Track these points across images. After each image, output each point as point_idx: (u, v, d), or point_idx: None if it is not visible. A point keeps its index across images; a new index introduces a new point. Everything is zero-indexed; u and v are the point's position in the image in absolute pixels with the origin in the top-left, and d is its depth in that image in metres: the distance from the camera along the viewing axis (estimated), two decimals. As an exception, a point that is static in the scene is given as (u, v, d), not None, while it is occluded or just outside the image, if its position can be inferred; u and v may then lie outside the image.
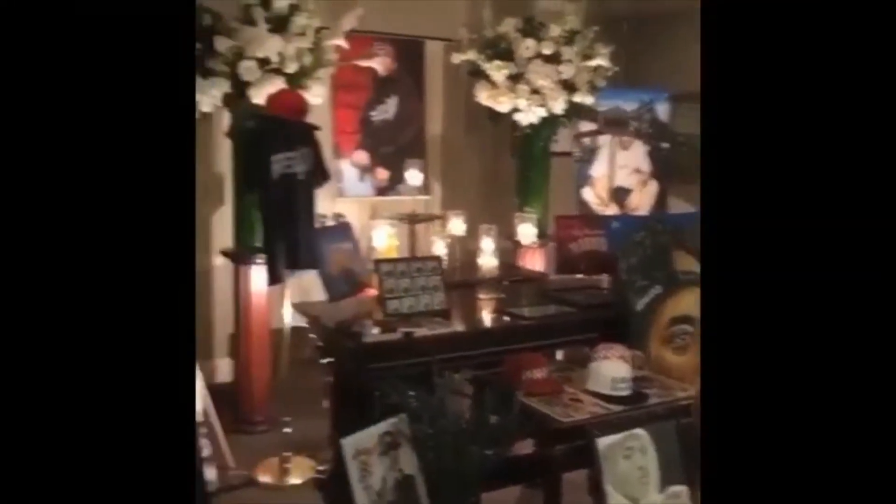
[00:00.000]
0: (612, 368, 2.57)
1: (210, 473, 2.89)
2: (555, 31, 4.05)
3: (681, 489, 2.50)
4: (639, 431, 2.46)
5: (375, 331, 2.52)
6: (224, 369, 3.95)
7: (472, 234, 3.82)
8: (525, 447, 2.57)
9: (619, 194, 4.58)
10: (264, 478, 3.05)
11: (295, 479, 3.03)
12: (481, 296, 3.31)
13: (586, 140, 4.60)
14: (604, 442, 2.37)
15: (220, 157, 3.86)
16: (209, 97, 3.10)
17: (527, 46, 4.01)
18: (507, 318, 2.93)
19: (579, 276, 3.45)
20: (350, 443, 2.24)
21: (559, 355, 3.36)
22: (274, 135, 2.85)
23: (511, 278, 3.54)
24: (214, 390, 3.48)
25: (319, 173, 3.06)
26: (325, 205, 4.09)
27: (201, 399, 3.01)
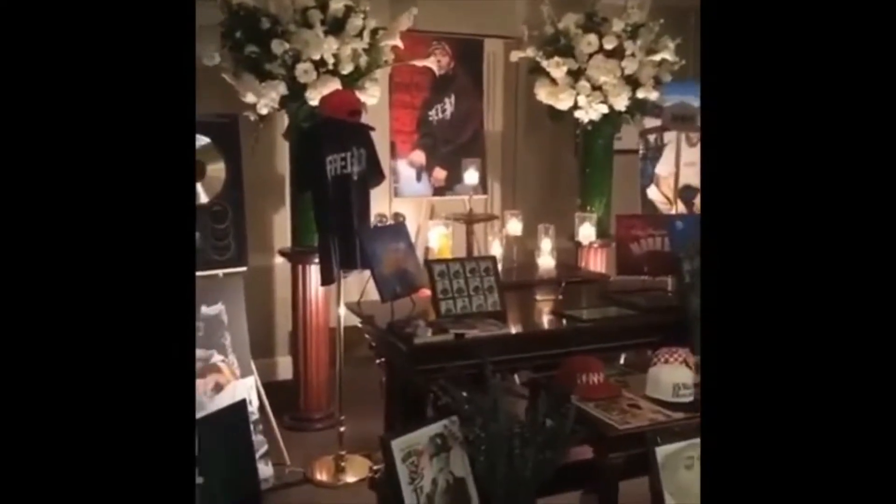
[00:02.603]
0: (672, 374, 2.46)
1: (266, 470, 2.93)
2: (618, 25, 3.94)
3: (747, 502, 2.38)
4: (699, 441, 2.35)
5: (427, 332, 2.49)
6: (284, 367, 4.01)
7: (532, 234, 3.76)
8: (583, 453, 2.49)
9: (687, 193, 4.41)
10: (319, 476, 3.07)
11: (349, 478, 3.04)
12: (538, 297, 3.24)
13: (651, 137, 4.46)
14: (663, 451, 2.27)
15: (279, 158, 3.92)
16: (267, 99, 3.15)
17: (588, 42, 3.91)
18: (564, 321, 2.86)
19: (642, 277, 3.34)
20: (399, 444, 2.23)
21: (622, 359, 3.27)
22: (328, 135, 2.86)
23: (570, 279, 3.45)
24: (274, 387, 3.54)
25: (374, 174, 3.06)
26: (383, 205, 4.11)
27: (258, 396, 3.06)
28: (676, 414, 2.37)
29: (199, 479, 2.44)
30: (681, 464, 2.29)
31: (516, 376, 2.96)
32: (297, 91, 3.17)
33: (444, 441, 2.34)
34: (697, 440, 2.33)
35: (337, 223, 2.86)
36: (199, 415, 2.62)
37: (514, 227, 3.68)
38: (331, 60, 3.15)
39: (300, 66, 3.11)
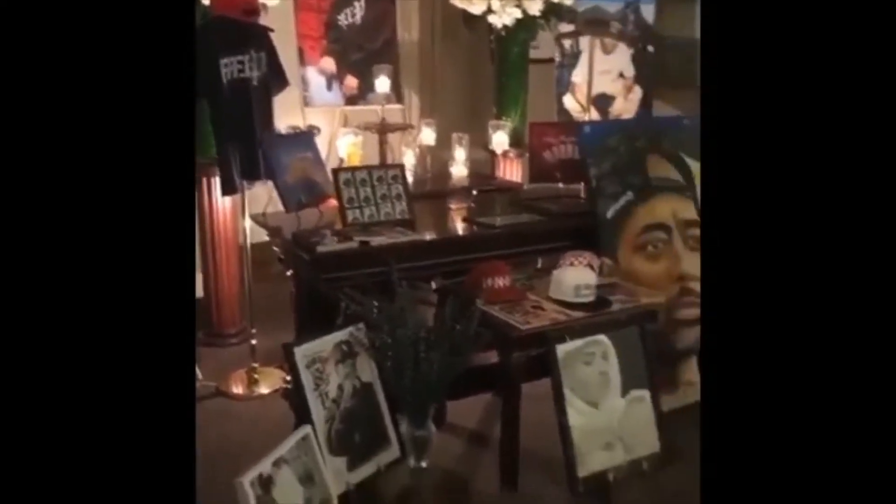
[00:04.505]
0: (575, 275, 2.52)
1: (177, 386, 2.89)
2: (531, -76, 3.80)
3: (643, 393, 2.50)
4: (601, 337, 2.44)
5: (332, 240, 2.45)
6: (196, 284, 3.92)
7: (447, 144, 3.71)
8: (492, 357, 2.55)
9: (602, 101, 4.42)
10: (235, 389, 3.06)
11: (263, 390, 3.05)
12: (451, 206, 3.23)
13: (567, 43, 4.40)
14: (563, 348, 2.35)
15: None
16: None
17: (501, -58, 3.77)
18: (475, 227, 2.87)
19: (557, 185, 3.36)
20: (303, 351, 2.22)
21: (538, 264, 3.31)
22: (221, 36, 2.70)
23: (483, 188, 3.44)
24: (185, 305, 3.46)
25: (276, 79, 2.91)
26: (294, 115, 3.96)
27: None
28: (577, 313, 2.44)
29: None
30: (580, 360, 2.38)
31: (433, 283, 2.98)
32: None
33: (350, 348, 2.35)
34: (596, 337, 2.42)
35: (236, 131, 2.73)
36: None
37: (428, 136, 3.62)
38: (225, -45, 2.92)
39: (191, -38, 2.88)
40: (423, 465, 2.46)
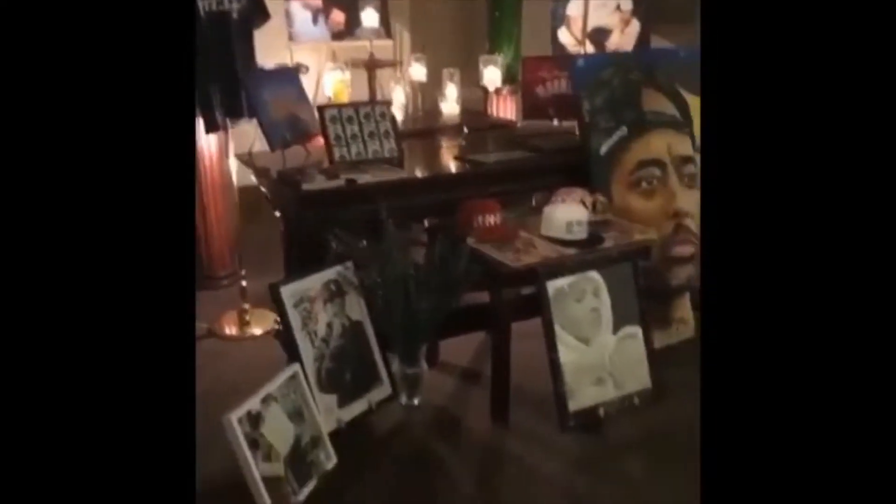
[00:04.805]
0: (566, 212, 2.48)
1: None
2: None
3: (635, 329, 2.49)
4: (592, 274, 2.41)
5: (318, 178, 2.40)
6: (188, 228, 3.88)
7: (439, 80, 3.61)
8: (485, 296, 2.53)
9: (598, 35, 4.29)
10: (228, 330, 3.05)
11: (256, 331, 3.04)
12: (442, 144, 3.17)
13: (562, -26, 4.24)
14: (554, 285, 2.33)
15: None
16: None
17: None
18: (466, 165, 2.81)
19: (552, 122, 3.28)
20: (289, 290, 2.20)
21: (533, 202, 3.27)
22: (198, -35, 2.58)
23: (475, 126, 3.37)
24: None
25: (257, 11, 2.81)
26: (280, 52, 3.85)
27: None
28: (569, 250, 2.41)
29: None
30: (571, 297, 2.36)
31: (425, 222, 2.94)
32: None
33: (338, 287, 2.33)
34: (587, 274, 2.40)
35: (216, 67, 2.64)
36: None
37: (418, 72, 3.52)
38: None
39: None
40: (416, 402, 2.47)
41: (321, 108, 2.61)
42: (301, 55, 3.87)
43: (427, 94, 3.71)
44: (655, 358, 2.51)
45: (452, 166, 2.85)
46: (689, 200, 3.00)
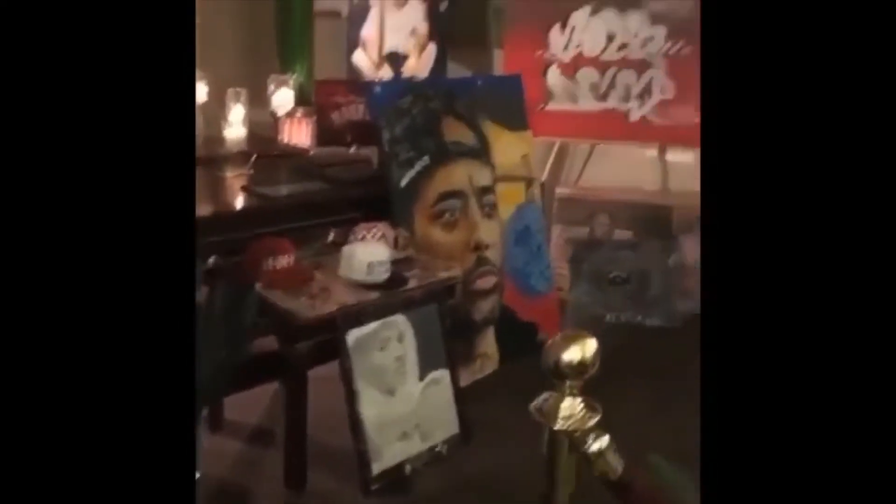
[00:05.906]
0: (367, 252, 2.28)
1: None
2: None
3: (442, 373, 2.35)
4: (396, 318, 2.24)
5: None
6: None
7: (221, 101, 3.27)
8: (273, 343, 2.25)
9: (395, 59, 4.19)
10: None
11: None
12: (226, 174, 2.84)
13: (354, -6, 4.10)
14: (354, 334, 2.12)
15: None
16: None
17: None
18: (255, 198, 2.54)
19: (350, 149, 3.09)
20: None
21: (330, 237, 3.05)
22: None
23: (265, 152, 3.08)
24: None
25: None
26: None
27: None
28: (371, 294, 2.21)
29: None
30: (375, 346, 2.17)
31: (211, 260, 2.61)
32: None
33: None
34: (391, 319, 2.22)
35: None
36: None
37: (198, 91, 3.15)
38: None
39: None
40: (197, 475, 2.13)
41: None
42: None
43: (209, 116, 3.34)
44: (462, 398, 2.40)
45: (240, 199, 2.55)
46: (490, 231, 2.97)
